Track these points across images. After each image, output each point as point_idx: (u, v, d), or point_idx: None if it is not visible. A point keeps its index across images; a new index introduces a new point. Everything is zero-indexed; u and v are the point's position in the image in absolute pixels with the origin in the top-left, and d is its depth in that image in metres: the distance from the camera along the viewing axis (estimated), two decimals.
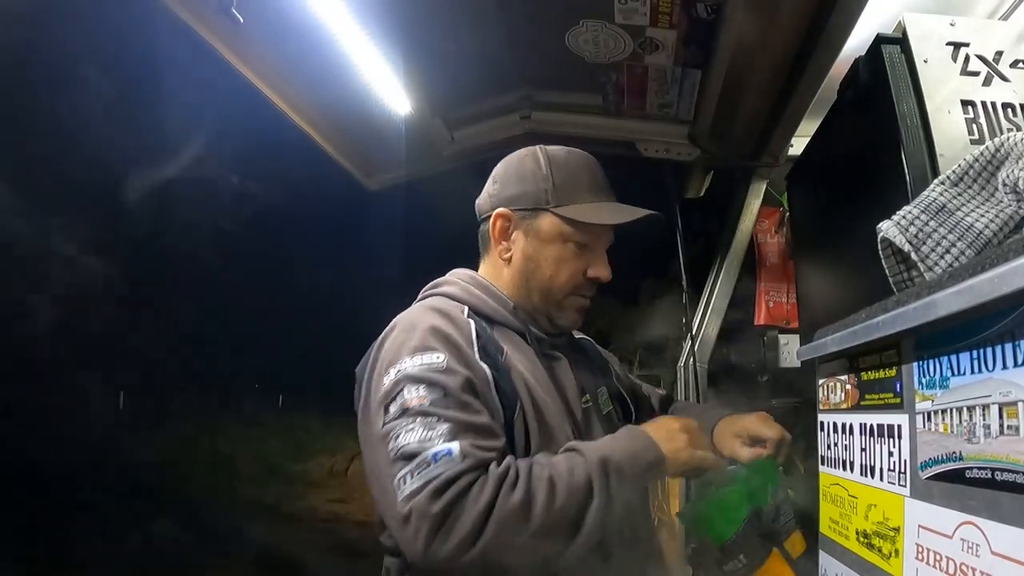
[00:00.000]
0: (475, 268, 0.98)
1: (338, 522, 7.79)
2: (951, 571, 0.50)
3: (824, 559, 0.78)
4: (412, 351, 0.76)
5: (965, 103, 0.79)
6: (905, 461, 0.59)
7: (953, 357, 0.52)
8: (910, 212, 0.68)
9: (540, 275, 0.91)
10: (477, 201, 0.99)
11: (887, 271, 0.73)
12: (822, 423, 0.82)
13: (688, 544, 0.99)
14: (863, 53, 0.91)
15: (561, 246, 0.90)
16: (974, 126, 0.78)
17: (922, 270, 0.66)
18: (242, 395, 14.46)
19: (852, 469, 0.72)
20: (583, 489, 0.70)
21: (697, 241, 1.79)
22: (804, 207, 1.31)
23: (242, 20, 1.11)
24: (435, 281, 0.95)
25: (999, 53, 0.82)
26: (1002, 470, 0.45)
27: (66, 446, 8.09)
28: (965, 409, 0.50)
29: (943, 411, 0.53)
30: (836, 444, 0.77)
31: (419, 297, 0.94)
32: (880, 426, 0.65)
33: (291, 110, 1.45)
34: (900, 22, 0.85)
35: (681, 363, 1.75)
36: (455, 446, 0.68)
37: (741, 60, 1.28)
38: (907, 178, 0.78)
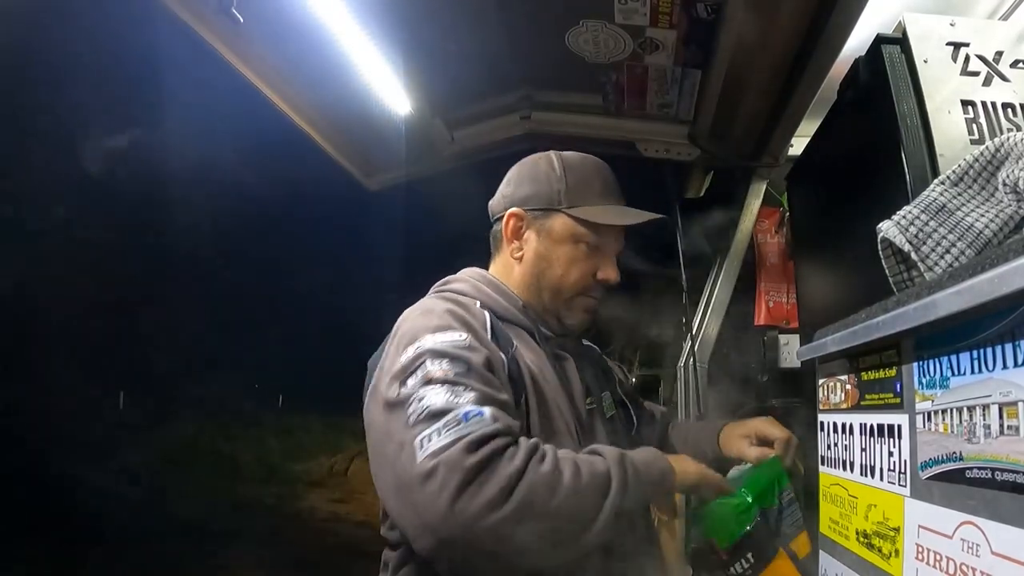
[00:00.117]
0: (477, 268, 0.98)
1: (338, 522, 7.79)
2: (951, 571, 0.50)
3: (824, 559, 0.78)
4: (433, 330, 0.76)
5: (965, 103, 0.79)
6: (905, 461, 0.59)
7: (953, 357, 0.52)
8: (910, 212, 0.68)
9: (551, 274, 0.92)
10: (490, 202, 1.00)
11: (887, 271, 0.73)
12: (822, 423, 0.82)
13: (688, 544, 1.00)
14: (863, 53, 0.91)
15: (572, 246, 0.92)
16: (974, 126, 0.78)
17: (922, 270, 0.66)
18: (242, 395, 14.45)
19: (852, 469, 0.72)
20: (603, 477, 0.70)
21: (697, 241, 1.79)
22: (804, 207, 1.31)
23: (242, 20, 1.11)
24: (446, 278, 0.96)
25: (999, 53, 0.82)
26: (1002, 470, 0.45)
27: (65, 446, 8.09)
28: (965, 409, 0.50)
29: (943, 411, 0.53)
30: (836, 444, 0.77)
31: (429, 293, 0.95)
32: (880, 426, 0.65)
33: (291, 110, 1.45)
34: (900, 22, 0.85)
35: (681, 363, 1.75)
36: (486, 410, 0.67)
37: (741, 60, 1.28)
38: (907, 178, 0.78)
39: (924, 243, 0.66)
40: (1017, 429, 0.43)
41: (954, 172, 0.68)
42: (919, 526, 0.56)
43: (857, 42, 1.05)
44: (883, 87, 0.83)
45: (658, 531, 1.00)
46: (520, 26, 1.31)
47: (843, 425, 0.75)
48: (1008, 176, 0.63)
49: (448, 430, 0.64)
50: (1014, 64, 0.81)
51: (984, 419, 0.47)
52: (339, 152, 1.68)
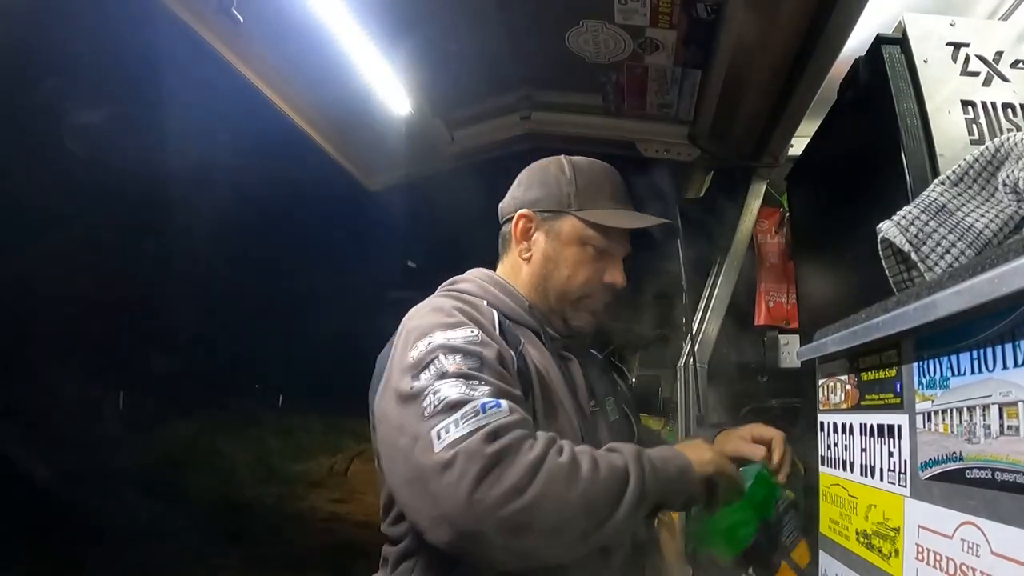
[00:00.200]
0: (484, 269, 0.99)
1: (338, 522, 7.79)
2: (951, 571, 0.50)
3: (824, 559, 0.78)
4: (445, 327, 0.76)
5: (965, 103, 0.79)
6: (905, 461, 0.59)
7: (953, 357, 0.52)
8: (910, 212, 0.68)
9: (558, 276, 0.93)
10: (500, 204, 1.01)
11: (887, 271, 0.73)
12: (822, 423, 0.82)
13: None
14: (863, 53, 0.91)
15: (580, 249, 0.93)
16: (974, 126, 0.78)
17: (922, 270, 0.66)
18: (242, 395, 14.46)
19: (852, 469, 0.72)
20: (622, 472, 0.70)
21: (697, 241, 1.79)
22: (804, 207, 1.31)
23: (242, 20, 1.11)
24: (453, 278, 0.97)
25: (999, 53, 0.82)
26: (1002, 470, 0.45)
27: (64, 445, 8.09)
28: (965, 409, 0.50)
29: (943, 411, 0.53)
30: (836, 444, 0.77)
31: (436, 292, 0.95)
32: (880, 426, 0.65)
33: (291, 110, 1.45)
34: (900, 22, 0.86)
35: (681, 363, 1.75)
36: (503, 402, 0.67)
37: (741, 60, 1.28)
38: (907, 178, 0.78)
39: (924, 243, 0.66)
40: (1017, 429, 0.43)
41: (954, 172, 0.68)
42: (919, 526, 0.56)
43: (857, 42, 1.05)
44: (883, 87, 0.83)
45: (658, 531, 1.00)
46: (520, 26, 1.31)
47: (843, 425, 0.75)
48: (1008, 176, 0.63)
49: (466, 421, 0.64)
50: (1014, 64, 0.81)
51: (984, 419, 0.47)
52: (339, 152, 1.69)
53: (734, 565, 0.84)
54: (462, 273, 0.98)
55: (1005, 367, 0.45)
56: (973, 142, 0.77)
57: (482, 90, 1.56)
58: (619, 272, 0.95)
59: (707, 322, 1.73)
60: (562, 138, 1.59)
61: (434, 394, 0.67)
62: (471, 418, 0.64)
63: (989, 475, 0.46)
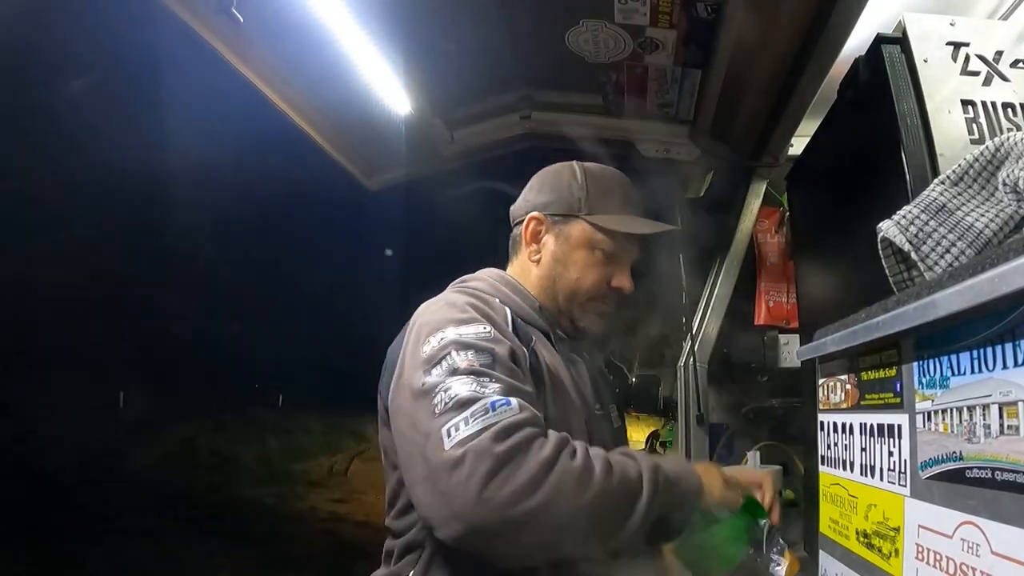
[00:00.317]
0: (495, 269, 1.00)
1: (338, 522, 7.79)
2: (951, 571, 0.50)
3: (824, 559, 0.78)
4: (458, 323, 0.76)
5: (965, 103, 0.79)
6: (905, 461, 0.59)
7: (953, 357, 0.52)
8: (910, 212, 0.68)
9: (567, 278, 0.94)
10: (512, 207, 1.02)
11: (887, 271, 0.73)
12: (822, 423, 0.82)
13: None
14: (863, 53, 0.91)
15: (589, 252, 0.94)
16: (974, 126, 0.78)
17: (922, 270, 0.66)
18: (242, 395, 14.45)
19: (852, 469, 0.72)
20: (635, 482, 0.69)
21: (697, 241, 1.79)
22: (804, 207, 1.31)
23: (242, 20, 1.11)
24: (464, 277, 0.97)
25: (999, 53, 0.82)
26: (1002, 470, 0.45)
27: (64, 445, 8.09)
28: (965, 409, 0.50)
29: (943, 411, 0.53)
30: (836, 444, 0.77)
31: (448, 289, 0.95)
32: (880, 426, 0.65)
33: (291, 110, 1.45)
34: (900, 22, 0.85)
35: (681, 363, 1.75)
36: (514, 400, 0.68)
37: (741, 60, 1.28)
38: (907, 178, 0.78)
39: (924, 243, 0.66)
40: (1017, 429, 0.43)
41: (954, 172, 0.68)
42: (919, 526, 0.56)
43: (857, 42, 1.05)
44: (883, 87, 0.83)
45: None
46: (520, 26, 1.31)
47: (843, 425, 0.75)
48: (1008, 176, 0.63)
49: (476, 419, 0.64)
50: (1014, 64, 0.81)
51: (984, 419, 0.47)
52: (339, 152, 1.69)
53: None
54: (461, 271, 0.98)
55: (1005, 367, 0.45)
56: (973, 142, 0.77)
57: (482, 90, 1.56)
58: (626, 277, 0.96)
59: (707, 322, 1.73)
60: (562, 138, 1.59)
61: (445, 391, 0.68)
62: (481, 416, 0.64)
63: (989, 475, 0.46)
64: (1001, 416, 0.45)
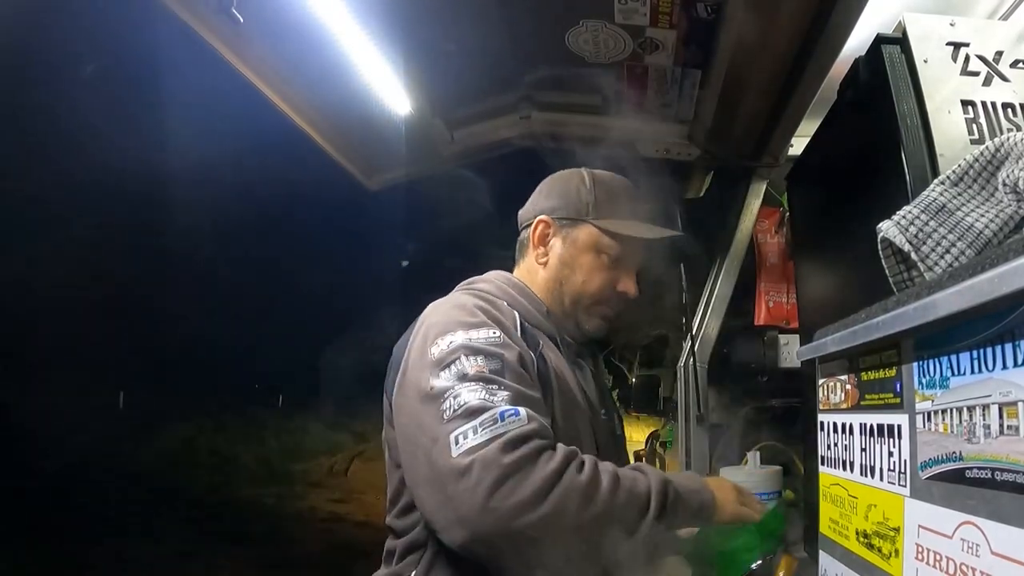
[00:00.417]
0: (502, 271, 1.00)
1: (338, 522, 7.79)
2: (951, 571, 0.50)
3: (824, 559, 0.78)
4: (467, 326, 0.77)
5: (965, 103, 0.79)
6: (905, 461, 0.59)
7: (953, 357, 0.52)
8: (910, 212, 0.68)
9: (573, 281, 0.95)
10: (520, 211, 1.04)
11: (887, 271, 0.73)
12: (822, 423, 0.82)
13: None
14: (863, 53, 0.91)
15: (595, 256, 0.95)
16: (974, 126, 0.78)
17: (922, 270, 0.66)
18: (242, 395, 14.45)
19: (852, 469, 0.72)
20: (643, 498, 0.70)
21: (697, 241, 1.79)
22: (804, 207, 1.31)
23: (242, 20, 1.11)
24: (471, 279, 0.97)
25: (999, 53, 0.82)
26: (1002, 470, 0.45)
27: (64, 445, 8.09)
28: (965, 409, 0.50)
29: (943, 411, 0.53)
30: (836, 444, 0.77)
31: (455, 290, 0.96)
32: (880, 426, 0.65)
33: (291, 110, 1.45)
34: (900, 22, 0.85)
35: (681, 363, 1.75)
36: (522, 410, 0.68)
37: (741, 60, 1.28)
38: (907, 178, 0.78)
39: (924, 243, 0.66)
40: (1017, 429, 0.43)
41: (954, 172, 0.68)
42: (919, 526, 0.56)
43: (857, 42, 1.05)
44: (883, 87, 0.83)
45: None
46: (520, 26, 1.31)
47: (843, 425, 0.75)
48: (1008, 176, 0.63)
49: (484, 428, 0.64)
50: (1014, 64, 0.81)
51: (984, 419, 0.47)
52: (339, 152, 1.69)
53: None
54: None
55: (1005, 367, 0.45)
56: (973, 142, 0.77)
57: (482, 90, 1.56)
58: (632, 282, 0.97)
59: (707, 322, 1.73)
60: (562, 138, 1.59)
61: (454, 397, 0.68)
62: (489, 426, 0.65)
63: (989, 475, 0.46)
64: (1001, 416, 0.45)
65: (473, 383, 0.69)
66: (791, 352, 1.63)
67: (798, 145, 1.55)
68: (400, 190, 1.88)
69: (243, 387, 15.05)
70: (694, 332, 1.74)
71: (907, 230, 0.67)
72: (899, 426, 0.61)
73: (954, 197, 0.67)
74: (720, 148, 1.62)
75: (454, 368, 0.71)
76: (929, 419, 0.55)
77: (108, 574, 5.38)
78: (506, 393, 0.69)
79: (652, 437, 3.06)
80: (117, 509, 6.86)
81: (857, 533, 0.69)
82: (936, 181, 0.69)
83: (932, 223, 0.66)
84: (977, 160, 0.67)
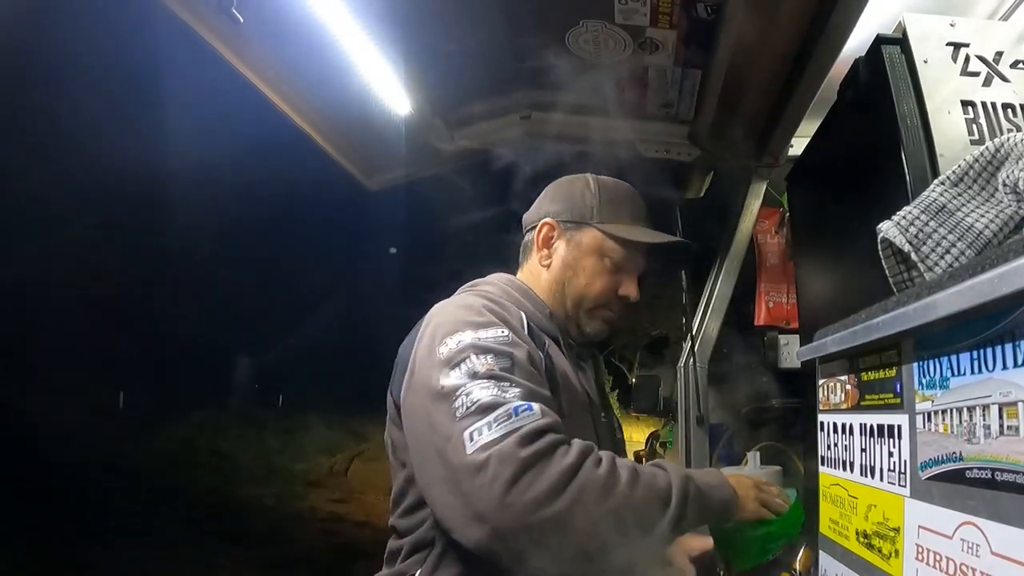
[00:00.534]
0: (505, 274, 1.01)
1: (338, 522, 7.79)
2: (951, 571, 0.50)
3: (824, 559, 0.78)
4: (475, 326, 0.77)
5: (965, 103, 0.79)
6: (905, 461, 0.59)
7: (953, 357, 0.52)
8: (910, 212, 0.68)
9: (576, 283, 0.96)
10: (524, 215, 1.05)
11: (887, 271, 0.73)
12: (822, 423, 0.82)
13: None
14: (863, 53, 0.91)
15: (598, 260, 0.96)
16: (974, 126, 0.78)
17: (922, 270, 0.66)
18: (242, 395, 14.45)
19: (852, 469, 0.72)
20: (662, 494, 0.69)
21: (697, 241, 1.79)
22: (804, 207, 1.31)
23: (242, 20, 1.11)
24: (474, 281, 0.98)
25: (999, 53, 0.82)
26: (1002, 470, 0.45)
27: (64, 445, 8.08)
28: (965, 409, 0.50)
29: (943, 411, 0.53)
30: (836, 444, 0.77)
31: (459, 292, 0.96)
32: (880, 426, 0.65)
33: (291, 110, 1.45)
34: (900, 22, 0.85)
35: (681, 363, 1.75)
36: (535, 405, 0.68)
37: (741, 60, 1.28)
38: (907, 178, 0.78)
39: (924, 243, 0.66)
40: (1017, 429, 0.43)
41: (954, 172, 0.68)
42: (919, 526, 0.56)
43: (857, 42, 1.05)
44: (883, 87, 0.83)
45: None
46: (520, 26, 1.31)
47: (843, 425, 0.75)
48: (1008, 176, 0.63)
49: (499, 424, 0.64)
50: (1014, 64, 0.81)
51: (984, 419, 0.47)
52: (339, 152, 1.68)
53: (739, 572, 0.84)
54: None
55: (1005, 367, 0.45)
56: (973, 142, 0.77)
57: (482, 90, 1.56)
58: (634, 286, 0.98)
59: (707, 322, 1.73)
60: (562, 138, 1.59)
61: (466, 395, 0.68)
62: (504, 421, 0.65)
63: (989, 475, 0.46)
64: (1001, 416, 0.45)
65: (484, 380, 0.69)
66: (791, 352, 1.63)
67: (798, 145, 1.55)
68: (400, 190, 1.88)
69: (243, 387, 15.05)
70: (694, 332, 1.74)
71: (907, 230, 0.67)
72: (899, 426, 0.61)
73: (954, 197, 0.67)
74: (720, 148, 1.62)
75: (464, 366, 0.71)
76: (929, 419, 0.55)
77: (108, 574, 5.38)
78: (518, 390, 0.69)
79: (652, 437, 3.06)
80: (117, 509, 6.86)
81: (857, 533, 0.69)
82: (936, 181, 0.69)
83: (932, 223, 0.66)
84: (977, 160, 0.67)
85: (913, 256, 0.66)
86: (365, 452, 11.56)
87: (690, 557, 0.90)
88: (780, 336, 1.66)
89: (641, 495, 0.67)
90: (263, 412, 13.85)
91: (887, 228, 0.69)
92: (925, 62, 0.82)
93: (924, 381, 0.57)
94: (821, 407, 0.83)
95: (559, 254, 0.97)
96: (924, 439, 0.56)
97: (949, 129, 0.78)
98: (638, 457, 2.78)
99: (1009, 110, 0.79)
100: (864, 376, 0.70)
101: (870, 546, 0.65)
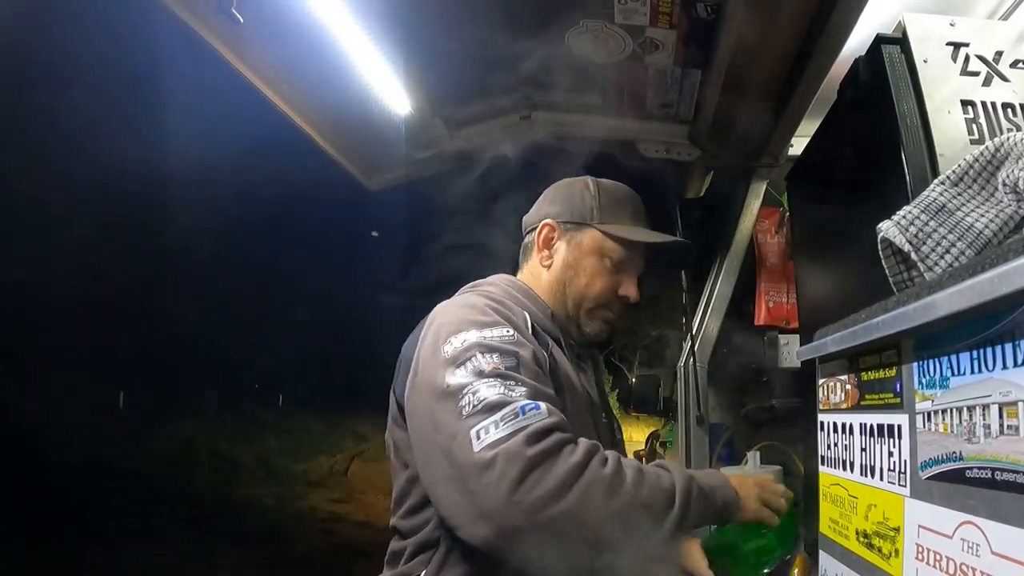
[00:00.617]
0: (506, 275, 1.01)
1: (338, 522, 7.79)
2: (951, 571, 0.50)
3: (824, 559, 0.78)
4: (480, 325, 0.77)
5: (965, 103, 0.79)
6: (905, 461, 0.59)
7: (953, 357, 0.52)
8: (910, 212, 0.68)
9: (576, 283, 0.96)
10: (524, 217, 1.06)
11: (887, 271, 0.73)
12: (822, 423, 0.82)
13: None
14: (863, 53, 0.91)
15: (598, 260, 0.96)
16: (974, 126, 0.78)
17: (922, 270, 0.66)
18: (242, 395, 14.45)
19: (852, 469, 0.72)
20: (667, 493, 0.69)
21: (697, 241, 1.79)
22: (804, 207, 1.31)
23: (242, 20, 1.11)
24: (476, 282, 0.98)
25: (999, 53, 0.82)
26: (1002, 470, 0.45)
27: (65, 445, 8.08)
28: (965, 409, 0.50)
29: (943, 411, 0.53)
30: (836, 444, 0.77)
31: (460, 292, 0.96)
32: (880, 426, 0.65)
33: (291, 110, 1.45)
34: (900, 22, 0.85)
35: (681, 363, 1.75)
36: (542, 404, 0.68)
37: (741, 60, 1.28)
38: (907, 178, 0.78)
39: (924, 243, 0.66)
40: (1017, 429, 0.43)
41: (954, 172, 0.68)
42: (919, 526, 0.56)
43: (857, 42, 1.05)
44: (883, 87, 0.83)
45: None
46: (520, 26, 1.31)
47: (843, 425, 0.75)
48: (1008, 176, 0.63)
49: (506, 423, 0.65)
50: (1014, 64, 0.81)
51: (984, 419, 0.47)
52: (339, 152, 1.68)
53: None
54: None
55: (1005, 367, 0.45)
56: (973, 142, 0.77)
57: (482, 90, 1.56)
58: (634, 287, 0.99)
59: (707, 322, 1.73)
60: (562, 138, 1.59)
61: (473, 393, 0.68)
62: (511, 420, 0.65)
63: (989, 475, 0.46)
64: (1001, 416, 0.45)
65: (491, 379, 0.69)
66: (791, 352, 1.63)
67: (798, 145, 1.55)
68: (400, 190, 1.88)
69: (243, 387, 15.05)
70: (694, 332, 1.74)
71: (907, 230, 0.67)
72: (899, 426, 0.61)
73: (954, 197, 0.67)
74: (720, 148, 1.62)
75: (470, 365, 0.71)
76: (929, 419, 0.55)
77: (108, 574, 5.38)
78: (524, 389, 0.69)
79: (652, 437, 3.06)
80: (117, 509, 6.86)
81: (857, 533, 0.69)
82: (936, 181, 0.69)
83: (932, 223, 0.66)
84: (977, 160, 0.67)
85: (913, 256, 0.66)
86: (365, 452, 11.56)
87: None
88: (780, 336, 1.66)
89: (646, 494, 0.67)
90: (263, 412, 13.84)
91: (887, 228, 0.69)
92: (925, 62, 0.82)
93: (924, 381, 0.57)
94: (821, 407, 0.83)
95: (560, 255, 0.98)
96: (924, 439, 0.56)
97: (949, 129, 0.78)
98: (638, 457, 2.78)
99: (1009, 110, 0.79)
100: (864, 376, 0.70)
101: (870, 546, 0.65)
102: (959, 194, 0.67)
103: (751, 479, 0.85)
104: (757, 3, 1.13)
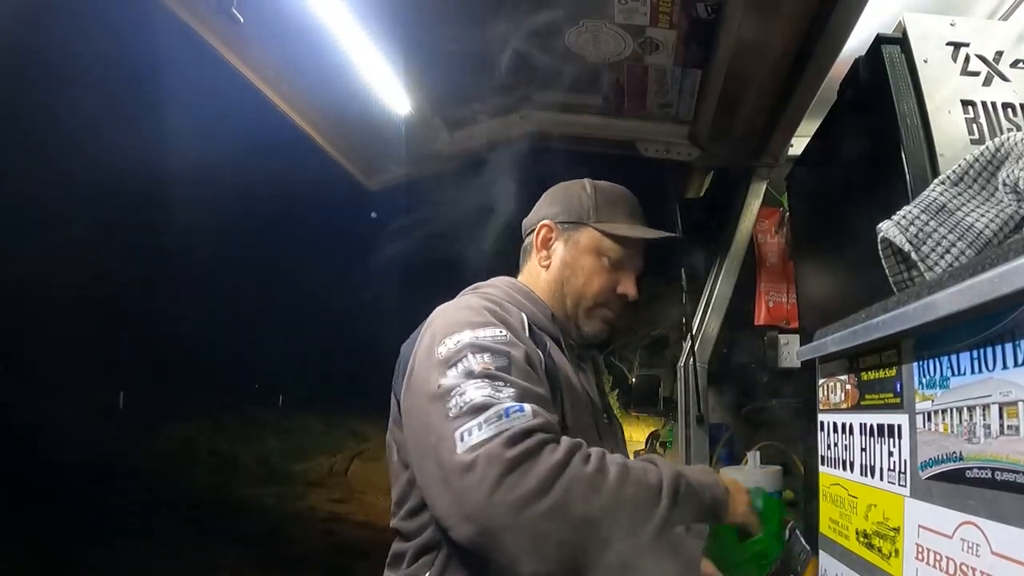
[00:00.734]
0: (506, 276, 1.01)
1: (338, 522, 7.79)
2: (951, 571, 0.50)
3: (824, 559, 0.78)
4: (474, 326, 0.77)
5: (965, 103, 0.79)
6: (905, 461, 0.59)
7: (953, 357, 0.52)
8: (910, 212, 0.68)
9: (574, 282, 0.97)
10: (524, 220, 1.06)
11: (887, 271, 0.73)
12: (822, 423, 0.82)
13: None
14: (863, 53, 0.91)
15: (596, 259, 0.97)
16: (974, 126, 0.78)
17: (922, 270, 0.66)
18: (242, 395, 14.45)
19: (852, 469, 0.72)
20: (653, 490, 0.69)
21: (697, 241, 1.79)
22: (804, 207, 1.31)
23: (242, 20, 1.11)
24: (476, 284, 0.98)
25: (999, 53, 0.82)
26: (1002, 470, 0.45)
27: (65, 445, 8.08)
28: (965, 409, 0.50)
29: (943, 411, 0.53)
30: (836, 444, 0.77)
31: (461, 294, 0.96)
32: (880, 426, 0.65)
33: (291, 110, 1.45)
34: (900, 22, 0.85)
35: (681, 363, 1.75)
36: (527, 406, 0.68)
37: (741, 60, 1.28)
38: (907, 178, 0.78)
39: (924, 243, 0.65)
40: (1017, 429, 0.43)
41: (954, 172, 0.68)
42: (919, 526, 0.56)
43: (857, 42, 1.05)
44: (883, 87, 0.83)
45: None
46: (520, 26, 1.31)
47: (843, 425, 0.75)
48: (1008, 176, 0.63)
49: (489, 424, 0.65)
50: (1014, 64, 0.81)
51: (984, 419, 0.47)
52: (340, 152, 1.69)
53: None
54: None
55: (1005, 367, 0.45)
56: (973, 142, 0.77)
57: (482, 90, 1.56)
58: (632, 284, 0.99)
59: (707, 322, 1.73)
60: (562, 138, 1.59)
61: (460, 395, 0.68)
62: (494, 422, 0.65)
63: (989, 475, 0.46)
64: (1001, 416, 0.45)
65: (479, 380, 0.70)
66: (791, 352, 1.63)
67: (798, 145, 1.55)
68: (400, 190, 1.88)
69: (243, 387, 15.05)
70: (694, 332, 1.74)
71: (907, 230, 0.67)
72: (899, 426, 0.61)
73: (954, 197, 0.67)
74: (720, 148, 1.62)
75: (461, 366, 0.72)
76: (929, 419, 0.55)
77: (108, 574, 5.38)
78: (512, 390, 0.70)
79: (652, 437, 3.06)
80: (117, 509, 6.86)
81: (857, 533, 0.69)
82: (936, 181, 0.69)
83: (932, 223, 0.66)
84: (977, 160, 0.66)
85: (913, 256, 0.66)
86: (365, 452, 11.56)
87: None
88: (780, 336, 1.66)
89: (631, 491, 0.67)
90: (263, 412, 13.84)
91: (887, 228, 0.69)
92: (925, 62, 0.82)
93: (924, 381, 0.57)
94: (821, 407, 0.83)
95: (558, 254, 0.98)
96: (924, 439, 0.56)
97: (949, 129, 0.78)
98: (638, 456, 2.77)
99: (1009, 109, 0.79)
100: (864, 376, 0.70)
101: (870, 546, 0.65)
102: (959, 194, 0.67)
103: (745, 487, 0.86)
104: (757, 3, 1.12)
